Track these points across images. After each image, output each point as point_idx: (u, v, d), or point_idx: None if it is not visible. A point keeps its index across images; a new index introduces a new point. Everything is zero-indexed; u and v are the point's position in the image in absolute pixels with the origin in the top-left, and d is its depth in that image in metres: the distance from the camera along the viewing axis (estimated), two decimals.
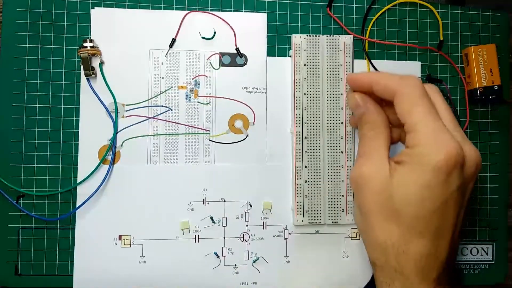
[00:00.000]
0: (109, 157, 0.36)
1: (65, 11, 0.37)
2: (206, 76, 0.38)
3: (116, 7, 0.37)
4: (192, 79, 0.38)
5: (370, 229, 0.30)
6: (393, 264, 0.29)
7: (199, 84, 0.38)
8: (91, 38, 0.36)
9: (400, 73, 0.31)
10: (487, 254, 0.40)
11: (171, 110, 0.37)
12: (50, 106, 0.37)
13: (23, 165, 0.36)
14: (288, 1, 0.39)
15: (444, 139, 0.28)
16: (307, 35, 0.38)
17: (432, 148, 0.28)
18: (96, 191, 0.36)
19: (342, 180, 0.38)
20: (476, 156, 0.30)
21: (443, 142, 0.28)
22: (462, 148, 0.28)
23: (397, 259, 0.29)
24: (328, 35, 0.38)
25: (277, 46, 0.39)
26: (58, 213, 0.36)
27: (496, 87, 0.39)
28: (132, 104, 0.37)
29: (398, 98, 0.30)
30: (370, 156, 0.31)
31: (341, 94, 0.38)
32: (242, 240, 0.37)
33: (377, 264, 0.31)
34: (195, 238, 0.37)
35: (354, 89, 0.33)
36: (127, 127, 0.37)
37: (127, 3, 0.37)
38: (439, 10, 0.40)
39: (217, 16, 0.38)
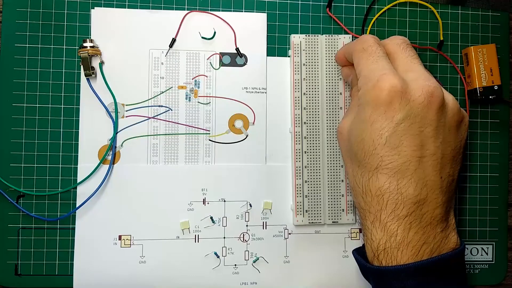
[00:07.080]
0: (109, 157, 0.36)
1: (65, 11, 0.37)
2: (206, 76, 0.38)
3: (116, 7, 0.37)
4: (192, 79, 0.38)
5: (347, 175, 0.33)
6: (362, 204, 0.31)
7: (199, 84, 0.38)
8: (91, 38, 0.36)
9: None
10: (487, 254, 0.40)
11: (171, 110, 0.37)
12: (50, 106, 0.37)
13: (23, 165, 0.36)
14: (288, 1, 0.39)
15: (377, 76, 0.30)
16: (306, 35, 0.38)
17: (367, 86, 0.30)
18: (96, 191, 0.36)
19: (342, 180, 0.37)
20: (424, 86, 0.29)
21: (375, 78, 0.30)
22: (403, 82, 0.29)
23: (364, 199, 0.30)
24: (327, 35, 0.38)
25: (277, 46, 0.39)
26: (58, 213, 0.36)
27: (496, 87, 0.39)
28: (132, 104, 0.37)
29: (353, 57, 0.33)
30: (349, 112, 0.34)
31: (340, 93, 0.38)
32: (242, 240, 0.37)
33: (356, 207, 0.32)
34: (195, 238, 0.37)
35: (342, 65, 0.36)
36: (127, 127, 0.37)
37: (127, 3, 0.37)
38: (439, 10, 0.40)
39: (217, 16, 0.38)
